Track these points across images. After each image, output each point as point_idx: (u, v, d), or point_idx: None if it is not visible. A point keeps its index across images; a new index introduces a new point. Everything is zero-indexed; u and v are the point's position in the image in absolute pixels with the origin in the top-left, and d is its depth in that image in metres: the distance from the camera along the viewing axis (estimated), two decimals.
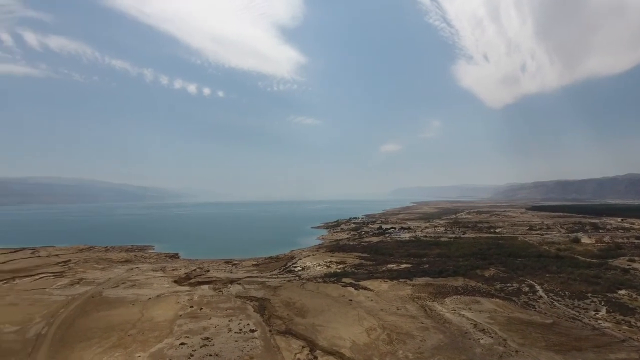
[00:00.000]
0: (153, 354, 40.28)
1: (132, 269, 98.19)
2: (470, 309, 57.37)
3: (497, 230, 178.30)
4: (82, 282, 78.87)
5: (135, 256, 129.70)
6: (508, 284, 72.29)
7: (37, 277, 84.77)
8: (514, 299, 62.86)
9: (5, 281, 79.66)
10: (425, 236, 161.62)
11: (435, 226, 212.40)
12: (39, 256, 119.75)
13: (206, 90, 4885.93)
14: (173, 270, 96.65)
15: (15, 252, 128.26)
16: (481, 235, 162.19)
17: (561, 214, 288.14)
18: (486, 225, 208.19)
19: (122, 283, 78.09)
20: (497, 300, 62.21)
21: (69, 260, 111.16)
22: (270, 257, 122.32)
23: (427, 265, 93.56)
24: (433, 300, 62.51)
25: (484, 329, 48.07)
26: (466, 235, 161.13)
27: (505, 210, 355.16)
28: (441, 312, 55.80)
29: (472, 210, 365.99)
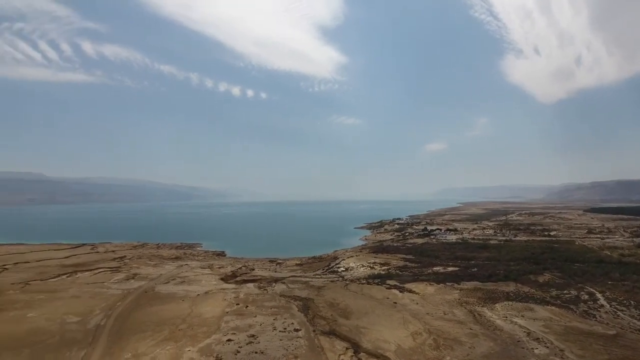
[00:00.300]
0: (202, 348, 41.61)
1: (181, 265, 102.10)
2: (523, 316, 54.81)
3: (551, 233, 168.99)
4: (137, 277, 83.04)
5: (185, 253, 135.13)
6: (565, 291, 68.35)
7: (96, 271, 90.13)
8: (571, 307, 59.29)
9: (68, 275, 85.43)
10: (473, 238, 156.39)
11: (484, 228, 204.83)
12: (98, 252, 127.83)
13: (250, 92, 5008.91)
14: (220, 268, 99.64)
15: (76, 247, 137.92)
16: (534, 238, 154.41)
17: (624, 216, 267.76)
18: (539, 227, 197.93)
19: (173, 279, 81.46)
20: (553, 307, 58.99)
21: (125, 256, 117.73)
22: (314, 257, 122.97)
23: (475, 269, 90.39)
24: (482, 306, 60.31)
25: (538, 338, 45.71)
26: (517, 238, 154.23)
27: (560, 212, 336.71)
28: (491, 319, 53.73)
29: (523, 212, 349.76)
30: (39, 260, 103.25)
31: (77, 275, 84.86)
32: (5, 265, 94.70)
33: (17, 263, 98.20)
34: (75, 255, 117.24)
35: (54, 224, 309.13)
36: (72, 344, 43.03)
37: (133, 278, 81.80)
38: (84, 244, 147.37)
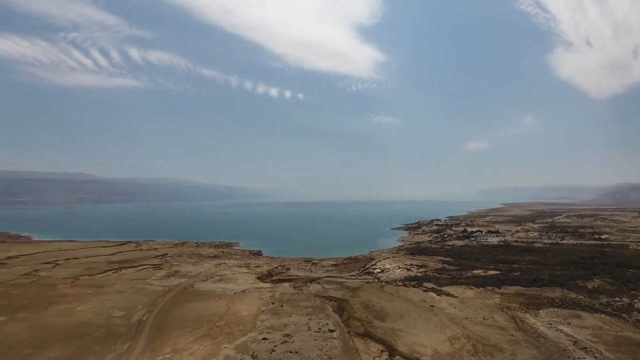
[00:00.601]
0: (238, 346, 42.49)
1: (219, 264, 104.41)
2: (569, 323, 52.02)
3: (602, 237, 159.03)
4: (177, 274, 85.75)
5: (223, 252, 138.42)
6: (616, 298, 64.12)
7: (139, 268, 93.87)
8: (623, 315, 55.63)
9: (114, 271, 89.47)
10: (517, 241, 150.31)
11: (528, 230, 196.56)
12: (141, 249, 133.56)
13: (287, 93, 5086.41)
14: (256, 267, 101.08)
15: (122, 245, 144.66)
16: (583, 241, 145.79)
17: None
18: (589, 230, 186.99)
19: (211, 277, 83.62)
20: (603, 315, 55.59)
21: (166, 254, 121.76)
22: (349, 258, 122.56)
23: (518, 273, 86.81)
24: (525, 312, 57.86)
25: (585, 348, 43.21)
26: (565, 242, 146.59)
27: (612, 214, 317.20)
28: (534, 325, 51.35)
29: (571, 214, 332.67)
30: (88, 257, 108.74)
31: (122, 272, 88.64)
32: (57, 260, 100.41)
33: (67, 259, 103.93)
34: (121, 252, 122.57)
35: (102, 222, 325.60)
36: (117, 337, 45.04)
37: (174, 275, 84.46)
38: (128, 242, 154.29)
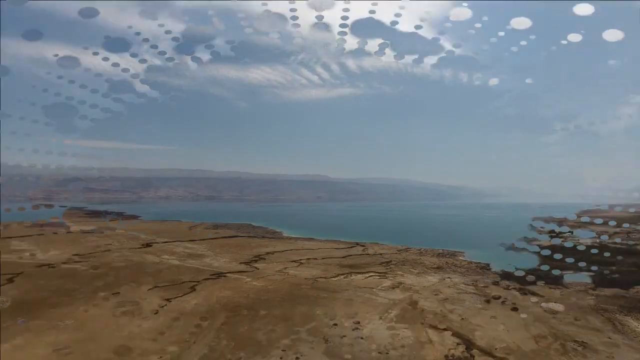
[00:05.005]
0: None
1: (444, 278, 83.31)
2: None
3: None
4: (401, 286, 69.61)
5: (446, 263, 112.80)
6: None
7: (367, 275, 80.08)
8: None
9: (345, 275, 77.44)
10: (614, 243, 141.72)
11: (629, 232, 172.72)
12: (368, 254, 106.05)
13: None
14: (484, 287, 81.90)
15: (351, 247, 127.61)
16: None
17: None
18: None
19: (435, 295, 65.67)
20: None
21: (390, 261, 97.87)
22: None
23: (617, 275, 71.70)
24: (625, 315, 49.99)
25: None
26: None
27: None
28: (637, 329, 44.41)
29: None
30: (324, 258, 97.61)
31: (351, 277, 75.92)
32: (301, 259, 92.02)
33: (309, 259, 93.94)
34: (350, 255, 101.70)
35: (333, 220, 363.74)
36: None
37: (398, 287, 68.84)
38: (357, 244, 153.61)
